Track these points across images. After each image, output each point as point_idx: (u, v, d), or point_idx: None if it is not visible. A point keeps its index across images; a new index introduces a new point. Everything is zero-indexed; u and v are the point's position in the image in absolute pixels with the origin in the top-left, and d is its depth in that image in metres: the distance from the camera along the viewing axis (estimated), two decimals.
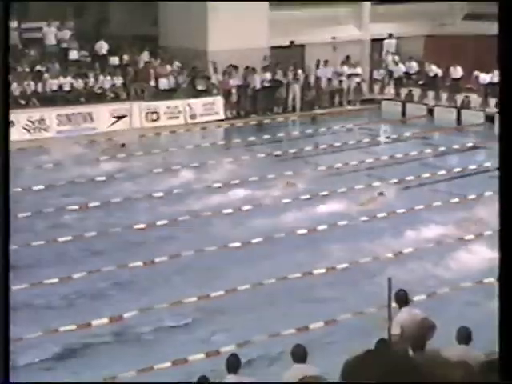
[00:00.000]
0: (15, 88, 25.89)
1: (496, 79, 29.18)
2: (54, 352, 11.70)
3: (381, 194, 18.87)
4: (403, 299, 10.21)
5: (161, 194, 19.24)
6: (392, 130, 28.18)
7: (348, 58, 31.63)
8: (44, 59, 28.36)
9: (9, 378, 2.64)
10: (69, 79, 27.48)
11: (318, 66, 30.98)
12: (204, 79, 29.17)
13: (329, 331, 12.16)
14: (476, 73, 29.60)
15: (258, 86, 29.49)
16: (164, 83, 28.80)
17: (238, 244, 15.59)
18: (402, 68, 31.92)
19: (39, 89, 26.97)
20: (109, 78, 28.21)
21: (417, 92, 31.19)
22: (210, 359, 10.94)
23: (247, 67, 29.28)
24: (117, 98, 27.98)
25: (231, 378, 8.72)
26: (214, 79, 29.29)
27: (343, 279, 14.14)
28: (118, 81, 28.38)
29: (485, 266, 13.56)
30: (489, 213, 17.30)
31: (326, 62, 31.04)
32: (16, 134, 23.32)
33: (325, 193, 19.13)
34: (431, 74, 31.10)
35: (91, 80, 27.88)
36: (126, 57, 29.50)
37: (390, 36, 33.21)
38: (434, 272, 14.40)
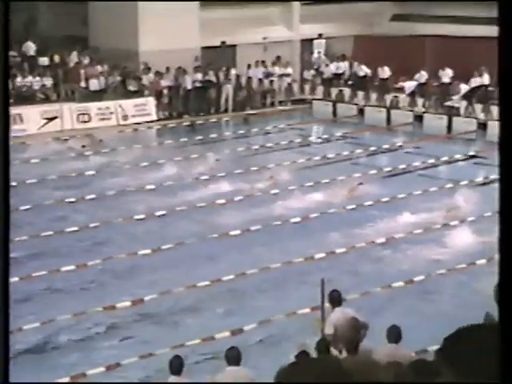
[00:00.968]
0: None
1: (423, 80, 29.79)
2: None
3: None
4: (337, 299, 10.40)
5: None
6: (324, 130, 28.51)
7: (279, 58, 31.88)
8: None
9: (8, 379, 2.68)
10: None
11: (249, 67, 31.15)
12: (135, 80, 29.04)
13: None
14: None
15: (190, 87, 29.50)
16: (95, 84, 28.57)
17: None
18: (331, 68, 32.31)
19: None
20: (38, 78, 27.86)
21: (347, 92, 31.62)
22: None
23: (179, 68, 29.26)
24: (47, 99, 27.65)
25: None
26: (145, 80, 29.18)
27: None
28: (48, 81, 28.05)
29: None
30: (418, 212, 17.78)
31: (256, 62, 31.24)
32: None
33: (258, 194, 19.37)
34: (361, 74, 31.55)
35: (19, 80, 27.49)
36: (56, 57, 29.18)
37: (320, 36, 33.58)
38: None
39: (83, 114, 27.37)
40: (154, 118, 28.64)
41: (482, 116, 27.72)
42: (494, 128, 23.59)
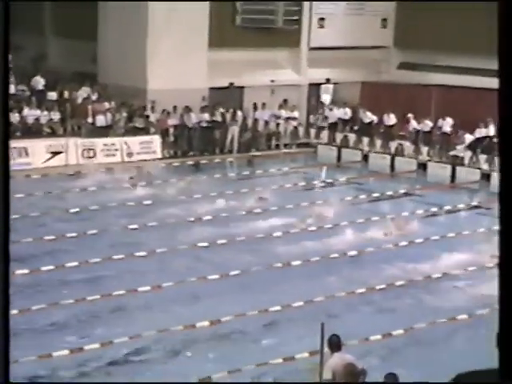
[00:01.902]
0: None
1: (427, 128, 29.93)
2: None
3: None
4: (336, 344, 10.28)
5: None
6: (327, 174, 28.51)
7: (286, 101, 32.05)
8: None
9: (9, 379, 2.64)
10: None
11: (255, 109, 31.30)
12: (142, 117, 29.17)
13: None
14: (408, 116, 30.23)
15: (196, 126, 29.61)
16: (101, 120, 28.68)
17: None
18: (335, 113, 32.45)
19: None
20: (46, 112, 27.99)
21: (352, 138, 31.74)
22: None
23: (186, 107, 29.40)
24: (53, 134, 27.74)
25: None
26: (152, 118, 29.32)
27: None
28: (56, 116, 28.18)
29: None
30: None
31: (263, 104, 31.41)
32: None
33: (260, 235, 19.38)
34: (366, 121, 31.68)
35: (26, 112, 27.63)
36: (65, 92, 29.37)
37: (328, 81, 33.78)
38: None
39: (89, 149, 27.45)
40: (159, 155, 28.70)
41: (485, 167, 27.78)
42: (497, 179, 23.56)
